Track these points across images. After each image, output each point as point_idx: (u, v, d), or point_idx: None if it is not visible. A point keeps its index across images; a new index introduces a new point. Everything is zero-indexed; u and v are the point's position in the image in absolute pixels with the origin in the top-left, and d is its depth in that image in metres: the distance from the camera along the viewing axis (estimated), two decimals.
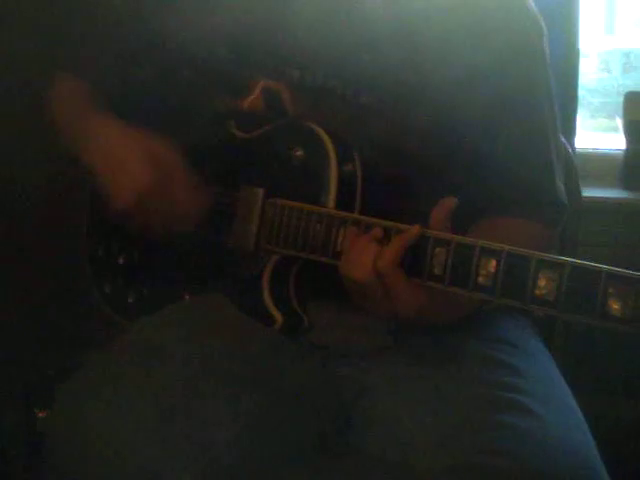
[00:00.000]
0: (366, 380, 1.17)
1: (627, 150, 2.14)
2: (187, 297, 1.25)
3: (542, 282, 0.90)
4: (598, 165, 2.10)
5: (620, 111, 2.10)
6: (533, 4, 1.24)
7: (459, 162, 1.18)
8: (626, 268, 0.86)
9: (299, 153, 1.16)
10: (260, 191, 1.19)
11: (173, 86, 1.28)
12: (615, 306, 0.85)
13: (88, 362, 1.12)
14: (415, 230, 1.00)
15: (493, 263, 0.94)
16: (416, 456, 1.00)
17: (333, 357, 1.21)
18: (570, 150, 1.51)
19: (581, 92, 2.03)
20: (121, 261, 1.37)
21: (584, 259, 0.89)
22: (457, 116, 1.15)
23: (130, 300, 1.34)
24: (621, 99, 2.08)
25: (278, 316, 1.17)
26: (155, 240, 1.26)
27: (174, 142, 1.20)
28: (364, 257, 1.02)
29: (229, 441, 1.00)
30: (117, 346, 1.14)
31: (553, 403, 1.07)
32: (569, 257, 0.91)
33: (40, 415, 1.55)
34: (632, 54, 2.31)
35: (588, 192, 1.54)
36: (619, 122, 2.17)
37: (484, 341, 1.17)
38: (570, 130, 1.94)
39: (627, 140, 2.13)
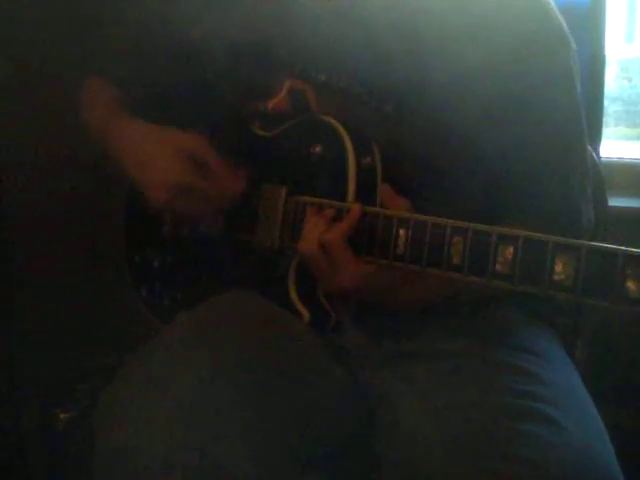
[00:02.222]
0: (387, 386, 1.17)
1: None
2: (220, 296, 1.25)
3: (559, 267, 0.90)
4: (623, 174, 2.09)
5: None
6: (559, 15, 1.22)
7: (478, 168, 1.18)
8: None
9: (318, 149, 1.18)
10: (282, 189, 1.20)
11: (199, 89, 1.30)
12: (633, 287, 0.85)
13: (129, 362, 1.13)
14: (356, 208, 1.09)
15: (510, 250, 0.94)
16: (437, 464, 1.00)
17: (355, 361, 1.22)
18: (597, 159, 1.50)
19: None
20: (156, 264, 1.40)
21: None
22: (483, 130, 1.15)
23: (166, 302, 1.37)
24: None
25: (305, 312, 1.18)
26: (187, 241, 1.30)
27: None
28: (313, 231, 1.11)
29: (270, 431, 1.03)
30: (157, 346, 1.14)
31: (575, 413, 1.06)
32: None
33: (62, 416, 1.56)
34: None
35: (612, 202, 1.53)
36: None
37: (507, 349, 1.17)
38: (596, 139, 1.93)
39: None
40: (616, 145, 2.21)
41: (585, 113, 1.25)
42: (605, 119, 2.03)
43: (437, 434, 1.04)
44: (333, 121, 1.16)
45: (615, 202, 1.58)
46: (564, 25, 1.22)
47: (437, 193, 1.17)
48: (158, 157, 1.23)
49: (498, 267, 0.96)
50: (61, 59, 1.69)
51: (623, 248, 0.86)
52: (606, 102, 2.04)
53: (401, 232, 1.05)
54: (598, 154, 1.84)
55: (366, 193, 1.14)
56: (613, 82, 2.12)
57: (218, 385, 1.04)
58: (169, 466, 0.98)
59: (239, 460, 0.99)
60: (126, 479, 1.00)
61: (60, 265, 1.79)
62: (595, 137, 1.90)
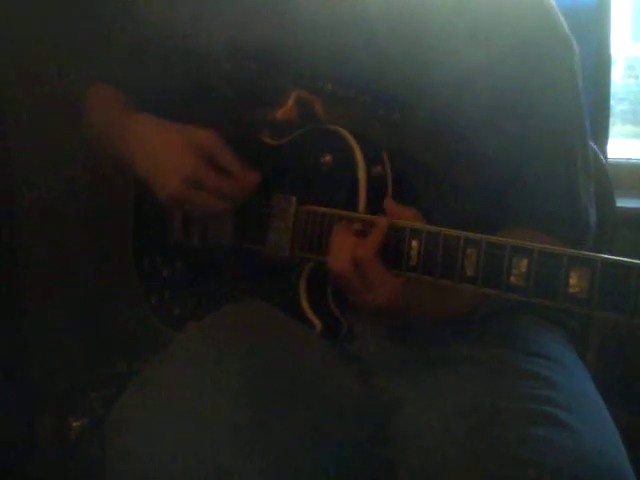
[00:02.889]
0: (400, 392, 1.17)
1: None
2: (229, 305, 1.26)
3: (574, 280, 0.90)
4: (630, 175, 2.08)
5: None
6: (560, 16, 1.22)
7: (486, 174, 1.17)
8: None
9: (327, 158, 1.17)
10: (292, 199, 1.20)
11: (206, 98, 1.30)
12: None
13: (140, 371, 1.13)
14: (383, 222, 1.06)
15: (525, 262, 0.94)
16: (450, 469, 1.01)
17: (368, 368, 1.22)
18: (603, 160, 1.49)
19: None
20: (165, 274, 1.39)
21: None
22: (487, 133, 1.15)
23: (176, 311, 1.38)
24: None
25: (317, 321, 1.18)
26: (196, 250, 1.29)
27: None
28: (342, 248, 1.08)
29: (288, 443, 1.03)
30: (168, 356, 1.15)
31: (588, 417, 1.06)
32: None
33: (75, 424, 1.57)
34: None
35: (620, 202, 1.53)
36: None
37: (521, 354, 1.17)
38: (603, 138, 1.92)
39: None
40: (623, 143, 2.20)
41: (592, 112, 1.27)
42: (612, 118, 2.03)
43: (451, 439, 1.04)
44: (342, 130, 1.16)
45: (622, 203, 1.57)
46: (565, 26, 1.23)
47: (444, 199, 1.17)
48: (169, 150, 1.22)
49: (512, 279, 0.95)
50: (63, 62, 1.69)
51: (638, 262, 0.86)
52: (612, 101, 2.04)
53: (414, 243, 1.05)
54: (605, 154, 1.84)
55: (377, 202, 1.13)
56: (619, 80, 2.11)
57: (228, 395, 1.04)
58: (178, 475, 0.99)
59: (247, 471, 1.00)
60: None
61: (73, 273, 1.80)
62: (602, 136, 1.89)
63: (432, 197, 1.12)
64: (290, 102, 1.22)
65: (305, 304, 1.20)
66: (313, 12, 1.22)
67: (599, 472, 0.96)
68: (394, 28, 1.19)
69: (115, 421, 1.07)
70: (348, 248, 1.07)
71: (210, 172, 1.20)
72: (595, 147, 1.33)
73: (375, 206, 1.13)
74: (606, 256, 0.89)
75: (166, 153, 1.22)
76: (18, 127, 1.75)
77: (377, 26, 1.20)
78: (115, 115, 1.36)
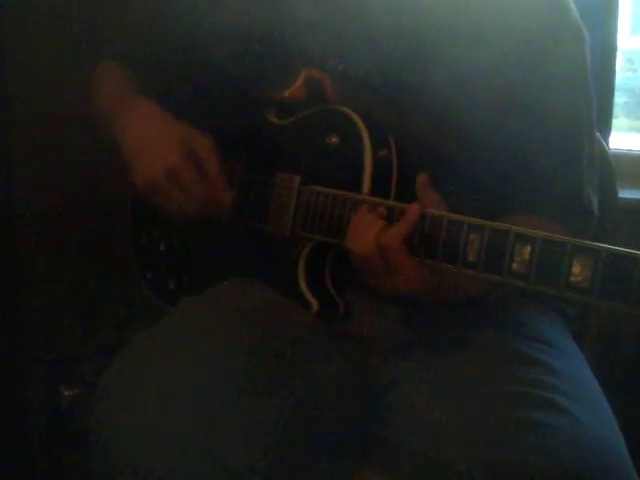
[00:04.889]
0: (397, 372, 1.19)
1: None
2: (225, 283, 1.27)
3: (577, 269, 0.91)
4: (631, 166, 2.08)
5: None
6: (573, 6, 1.23)
7: (492, 161, 1.18)
8: None
9: (334, 139, 1.17)
10: (296, 178, 1.20)
11: (214, 76, 1.30)
12: None
13: (129, 344, 1.14)
14: (414, 209, 1.04)
15: (528, 249, 0.95)
16: (448, 451, 1.01)
17: (364, 348, 1.22)
18: (607, 150, 1.51)
19: None
20: (162, 248, 1.39)
21: None
22: (493, 119, 1.16)
23: (171, 286, 1.37)
24: None
25: (314, 301, 1.19)
26: (195, 226, 1.28)
27: (210, 130, 1.23)
28: (368, 232, 1.06)
29: (275, 420, 1.04)
30: (164, 327, 1.16)
31: (586, 402, 1.07)
32: None
33: (67, 393, 1.57)
34: None
35: (620, 193, 1.54)
36: None
37: (520, 339, 1.18)
38: (605, 130, 1.93)
39: None
40: (620, 137, 2.21)
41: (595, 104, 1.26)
42: None
43: (450, 421, 1.05)
44: (350, 112, 1.16)
45: (623, 194, 1.58)
46: (576, 12, 1.23)
47: (451, 185, 1.16)
48: (161, 140, 1.21)
49: (514, 266, 0.96)
50: (74, 42, 1.68)
51: None
52: None
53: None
54: (607, 145, 1.85)
55: (381, 185, 1.14)
56: (618, 73, 2.11)
57: (217, 371, 1.05)
58: (162, 447, 1.00)
59: (233, 447, 1.01)
60: (122, 461, 1.01)
61: (67, 245, 1.79)
62: (604, 128, 1.90)
63: (437, 182, 1.12)
64: (299, 81, 1.22)
65: (303, 283, 1.20)
66: None
67: (598, 458, 0.97)
68: (410, 7, 1.19)
69: (102, 391, 1.08)
70: (374, 232, 1.05)
71: (192, 175, 1.19)
72: (600, 137, 1.33)
73: (379, 189, 1.13)
74: (610, 247, 0.89)
75: (157, 142, 1.21)
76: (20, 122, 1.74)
77: (393, 5, 1.20)
78: (119, 92, 1.35)
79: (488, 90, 1.15)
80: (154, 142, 1.21)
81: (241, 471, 1.01)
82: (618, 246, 0.90)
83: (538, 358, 1.13)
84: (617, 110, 2.21)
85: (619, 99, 2.22)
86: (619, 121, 2.26)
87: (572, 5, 1.23)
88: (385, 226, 1.06)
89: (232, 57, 1.26)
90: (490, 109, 1.15)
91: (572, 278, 0.91)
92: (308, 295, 1.19)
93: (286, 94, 1.23)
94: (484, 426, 1.02)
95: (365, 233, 1.07)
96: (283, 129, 1.25)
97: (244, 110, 1.28)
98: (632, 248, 0.89)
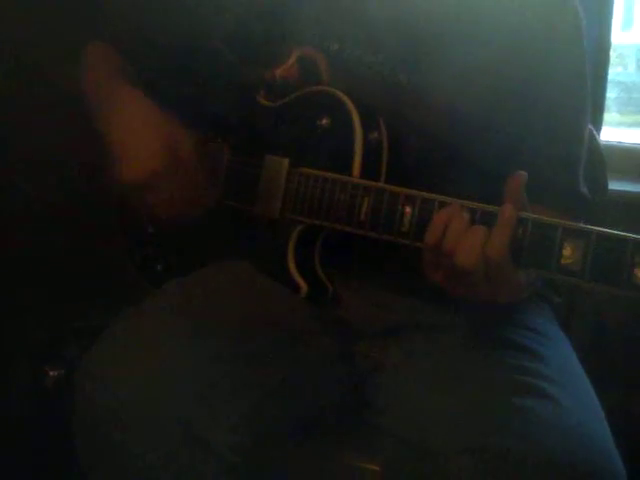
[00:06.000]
0: (383, 357, 1.18)
1: None
2: (213, 265, 1.26)
3: (568, 251, 0.91)
4: (621, 159, 2.09)
5: (637, 107, 2.09)
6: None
7: (489, 147, 1.16)
8: None
9: (325, 121, 1.16)
10: (285, 160, 1.19)
11: (204, 56, 1.29)
12: None
13: (114, 323, 1.13)
14: (509, 212, 0.95)
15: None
16: (431, 436, 1.01)
17: (352, 332, 1.22)
18: (599, 142, 1.51)
19: None
20: (151, 230, 1.38)
21: None
22: (490, 103, 1.15)
23: (159, 268, 1.37)
24: (637, 94, 2.08)
25: (303, 284, 1.18)
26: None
27: (200, 112, 1.21)
28: (474, 244, 0.96)
29: (261, 403, 1.04)
30: (148, 306, 1.15)
31: (572, 390, 1.07)
32: None
33: (51, 373, 1.56)
34: None
35: (611, 185, 1.55)
36: None
37: (506, 325, 1.17)
38: (597, 123, 1.93)
39: None
40: (609, 131, 2.22)
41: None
42: None
43: (435, 405, 1.05)
44: (341, 94, 1.15)
45: (612, 186, 1.59)
46: (580, 11, 1.22)
47: (442, 168, 1.16)
48: (148, 140, 1.20)
49: None
50: (64, 24, 1.67)
51: (633, 236, 0.87)
52: None
53: (407, 209, 1.05)
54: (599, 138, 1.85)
55: (371, 168, 1.13)
56: (609, 68, 2.12)
57: (201, 352, 1.05)
58: (144, 429, 1.00)
59: (215, 427, 1.01)
60: (105, 439, 1.02)
61: (52, 226, 1.78)
62: (596, 122, 1.90)
63: (430, 166, 1.12)
64: (291, 60, 1.21)
65: (292, 266, 1.19)
66: None
67: (583, 446, 0.97)
68: None
69: (84, 371, 1.08)
70: (479, 243, 0.96)
71: (173, 183, 1.19)
72: (593, 129, 1.33)
73: (370, 171, 1.12)
74: (601, 229, 0.89)
75: (143, 141, 1.20)
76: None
77: None
78: (106, 78, 1.34)
79: (488, 74, 1.14)
80: (138, 143, 1.20)
81: (223, 451, 1.02)
82: None
83: (524, 344, 1.13)
84: (608, 104, 2.22)
85: (610, 93, 2.22)
86: (610, 115, 2.27)
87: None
88: (488, 233, 0.97)
89: (224, 35, 1.25)
90: (487, 93, 1.15)
91: (563, 260, 0.91)
92: (297, 278, 1.18)
93: (278, 73, 1.22)
94: (469, 412, 1.01)
95: (471, 245, 0.96)
96: (273, 111, 1.24)
97: (234, 91, 1.27)
98: None
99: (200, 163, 1.21)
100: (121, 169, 1.20)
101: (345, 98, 1.15)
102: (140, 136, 1.21)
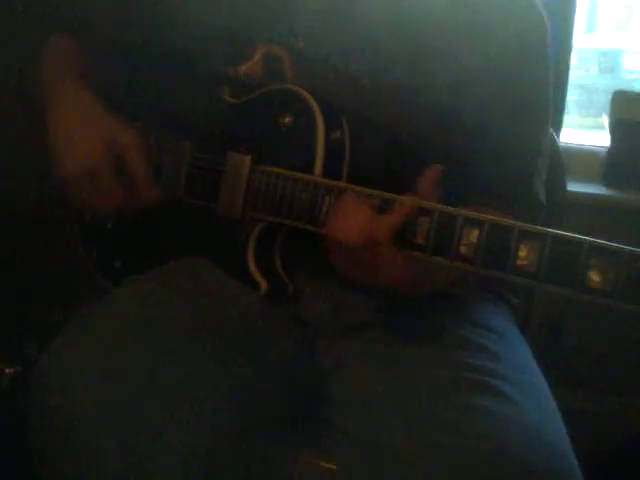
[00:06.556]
0: (343, 356, 1.18)
1: (611, 148, 2.17)
2: (173, 262, 1.25)
3: (523, 252, 0.91)
4: (581, 161, 2.12)
5: (597, 109, 2.13)
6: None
7: (447, 148, 1.18)
8: None
9: (288, 119, 1.16)
10: (247, 158, 1.19)
11: (166, 52, 1.27)
12: (596, 278, 0.86)
13: (71, 322, 1.12)
14: (410, 201, 1.00)
15: (475, 233, 0.95)
16: (387, 435, 1.01)
17: (312, 331, 1.22)
18: (558, 145, 1.52)
19: None
20: (109, 225, 1.37)
21: None
22: (455, 107, 1.16)
23: (117, 264, 1.35)
24: (597, 97, 2.11)
25: (262, 282, 1.18)
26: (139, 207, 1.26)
27: (160, 108, 1.21)
28: (358, 221, 1.02)
29: (217, 402, 1.03)
30: (104, 305, 1.14)
31: (529, 390, 1.08)
32: None
33: (7, 371, 1.55)
34: (610, 54, 2.35)
35: (570, 187, 1.56)
36: (605, 120, 2.20)
37: (465, 324, 1.18)
38: (558, 125, 1.96)
39: (612, 138, 2.17)
40: (570, 133, 2.25)
41: None
42: None
43: (390, 404, 1.05)
44: (305, 93, 1.15)
45: (570, 187, 1.61)
46: (546, 21, 1.24)
47: (404, 168, 1.15)
48: (86, 136, 1.20)
49: (462, 249, 0.97)
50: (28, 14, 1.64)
51: (589, 239, 0.87)
52: None
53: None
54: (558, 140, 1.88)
55: (333, 167, 1.13)
56: (571, 71, 2.15)
57: (160, 352, 1.04)
58: (100, 426, 0.99)
59: (171, 426, 1.00)
60: (58, 440, 1.01)
61: (10, 221, 1.76)
62: (556, 124, 1.93)
63: (392, 166, 1.12)
64: (256, 57, 1.21)
65: (252, 264, 1.19)
66: None
67: (540, 446, 0.98)
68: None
69: (42, 368, 1.06)
70: (364, 222, 1.01)
71: (109, 175, 1.18)
72: (553, 133, 1.35)
73: (331, 170, 1.13)
74: (556, 231, 0.90)
75: (81, 137, 1.20)
76: None
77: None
78: (59, 72, 1.32)
79: (447, 77, 1.15)
80: (77, 139, 1.20)
81: (182, 452, 1.01)
82: None
83: (481, 344, 1.14)
84: (569, 107, 2.25)
85: (571, 96, 2.25)
86: (571, 118, 2.30)
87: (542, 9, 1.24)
88: (374, 216, 1.02)
89: (188, 31, 1.24)
90: (448, 96, 1.16)
91: (518, 262, 0.92)
92: (257, 276, 1.18)
93: (242, 70, 1.22)
94: (421, 409, 1.02)
95: (355, 221, 1.02)
96: (236, 107, 1.23)
97: (196, 88, 1.26)
98: None
99: (143, 158, 1.20)
100: (58, 163, 1.20)
101: (309, 97, 1.15)
102: (77, 130, 1.21)
